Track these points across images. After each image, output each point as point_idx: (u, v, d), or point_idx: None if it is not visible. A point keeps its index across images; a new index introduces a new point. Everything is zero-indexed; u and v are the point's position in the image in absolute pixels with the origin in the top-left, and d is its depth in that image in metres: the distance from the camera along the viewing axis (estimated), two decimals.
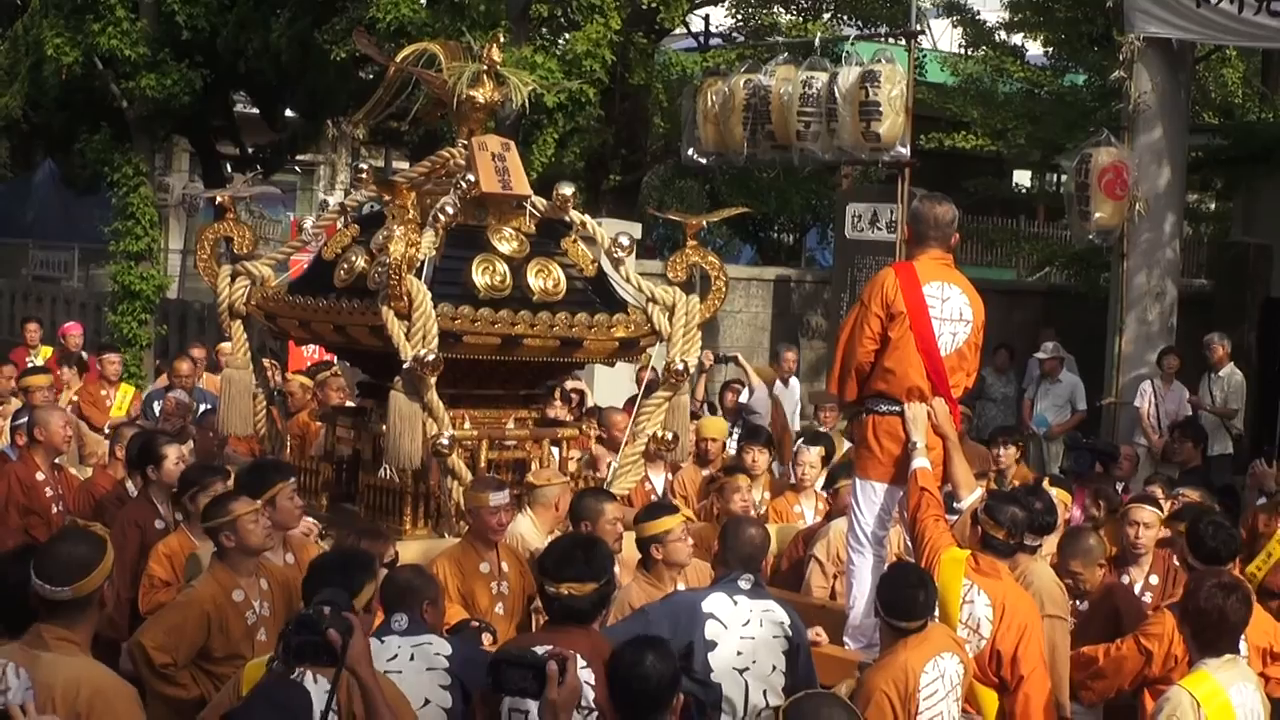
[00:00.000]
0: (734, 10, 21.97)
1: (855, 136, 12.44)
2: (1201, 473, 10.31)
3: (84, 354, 13.37)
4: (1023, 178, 24.23)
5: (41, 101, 18.98)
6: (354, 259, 6.68)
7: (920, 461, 5.85)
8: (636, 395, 7.35)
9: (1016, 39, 19.32)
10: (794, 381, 12.97)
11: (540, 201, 6.94)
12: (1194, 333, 13.12)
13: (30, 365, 11.96)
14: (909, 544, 5.97)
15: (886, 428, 5.99)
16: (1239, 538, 6.63)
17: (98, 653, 4.04)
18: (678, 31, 21.22)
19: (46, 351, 13.42)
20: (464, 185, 6.53)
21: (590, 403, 10.78)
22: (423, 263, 6.35)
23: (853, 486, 6.19)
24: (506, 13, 14.60)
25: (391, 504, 6.62)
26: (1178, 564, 6.70)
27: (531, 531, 6.43)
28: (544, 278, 6.68)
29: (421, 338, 6.23)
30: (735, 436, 9.82)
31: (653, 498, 8.00)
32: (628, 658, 3.98)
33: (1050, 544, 6.73)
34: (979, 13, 19.50)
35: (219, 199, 7.40)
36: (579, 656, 4.15)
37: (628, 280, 7.08)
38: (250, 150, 22.26)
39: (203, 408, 9.76)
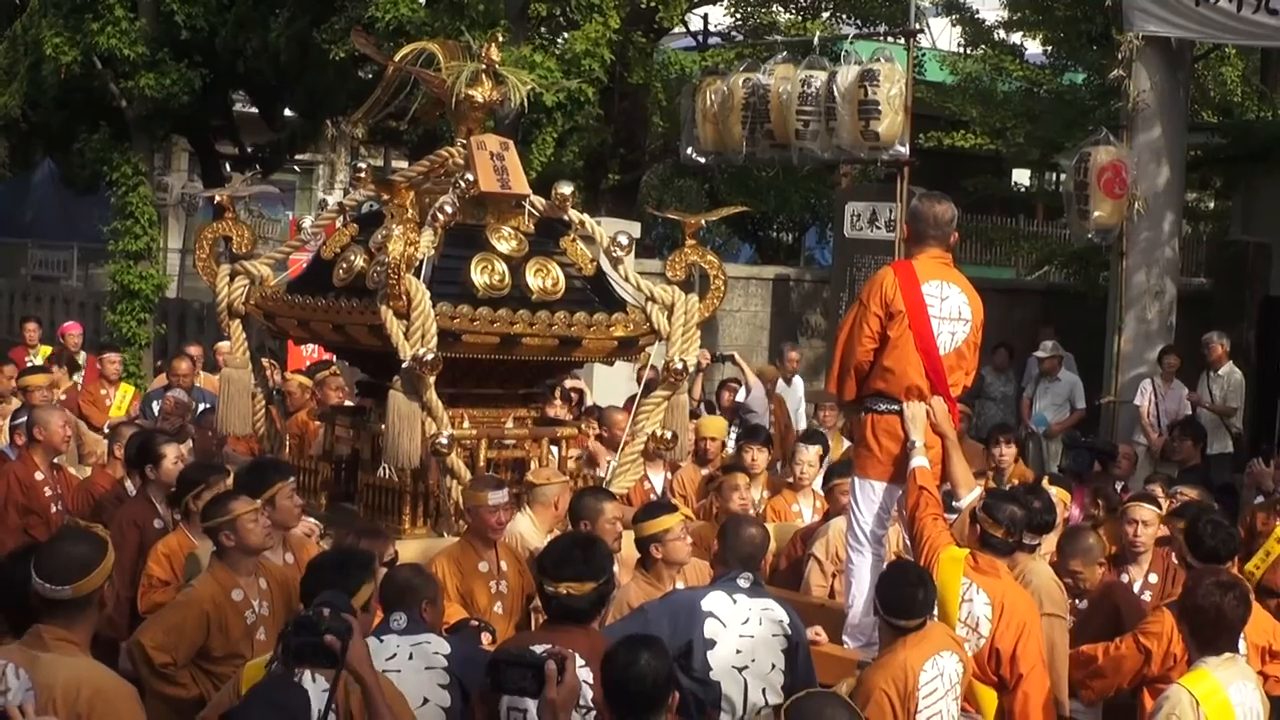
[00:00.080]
0: (733, 9, 21.94)
1: (854, 135, 12.44)
2: (1200, 471, 10.32)
3: (76, 353, 13.37)
4: (1022, 177, 24.20)
5: (40, 101, 18.99)
6: (353, 258, 6.68)
7: (919, 460, 5.84)
8: (636, 394, 7.35)
9: (1015, 38, 19.28)
10: (797, 380, 12.98)
11: (539, 201, 6.94)
12: (1193, 331, 13.12)
13: (29, 365, 11.96)
14: (908, 543, 5.97)
15: (885, 426, 5.98)
16: (1238, 536, 6.63)
17: (97, 653, 4.03)
18: (676, 30, 21.22)
19: (46, 351, 13.43)
20: (463, 184, 6.52)
21: (589, 401, 10.79)
22: (421, 262, 6.34)
23: (852, 485, 6.17)
24: (505, 12, 14.61)
25: (390, 503, 6.61)
26: (1177, 562, 6.71)
27: (530, 530, 6.43)
28: (543, 277, 6.68)
29: (420, 337, 6.22)
30: (733, 435, 9.82)
31: (652, 497, 8.00)
32: (622, 657, 3.95)
33: (1049, 543, 6.72)
34: (978, 11, 19.45)
35: (218, 198, 7.40)
36: (578, 655, 4.14)
37: (626, 279, 7.07)
38: (249, 149, 22.27)
39: (201, 407, 9.75)
